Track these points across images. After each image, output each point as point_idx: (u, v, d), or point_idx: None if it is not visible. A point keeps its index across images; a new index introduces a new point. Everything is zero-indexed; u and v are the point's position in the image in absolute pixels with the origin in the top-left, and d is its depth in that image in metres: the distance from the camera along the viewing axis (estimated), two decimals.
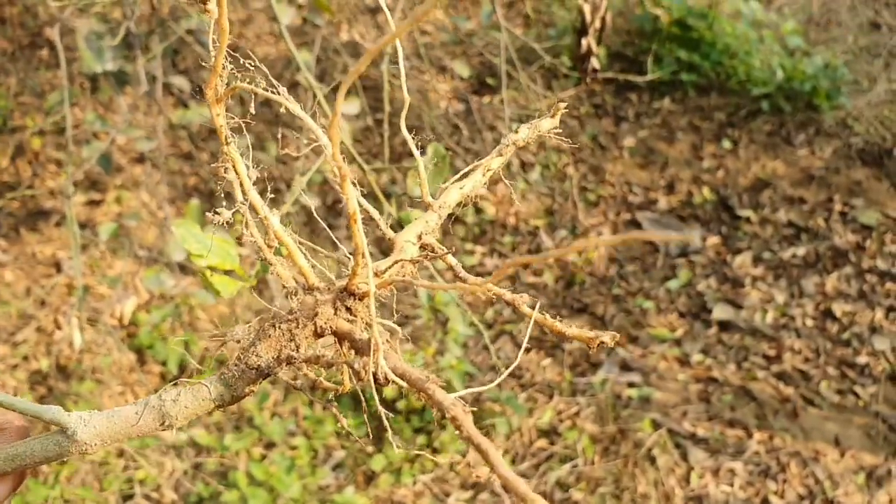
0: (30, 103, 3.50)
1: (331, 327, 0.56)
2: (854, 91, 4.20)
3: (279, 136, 3.17)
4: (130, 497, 2.38)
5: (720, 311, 3.13)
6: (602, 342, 0.57)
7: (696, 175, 3.77)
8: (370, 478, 2.41)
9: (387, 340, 0.56)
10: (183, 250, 1.80)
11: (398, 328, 0.58)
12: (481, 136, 3.84)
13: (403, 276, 0.61)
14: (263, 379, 0.58)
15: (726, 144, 3.91)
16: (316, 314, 0.56)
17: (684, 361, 2.91)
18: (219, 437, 2.48)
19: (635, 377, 2.80)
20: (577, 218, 3.59)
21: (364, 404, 0.58)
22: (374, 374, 0.50)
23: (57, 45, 1.45)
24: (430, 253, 0.65)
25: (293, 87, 3.31)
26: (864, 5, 5.01)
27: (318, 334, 0.58)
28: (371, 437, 2.50)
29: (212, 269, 0.74)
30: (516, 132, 0.76)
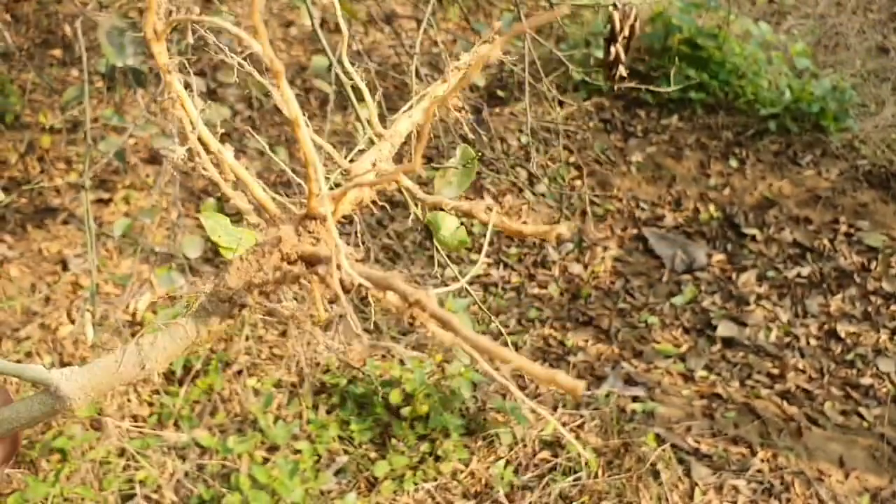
0: (41, 101, 3.51)
1: (296, 252, 0.57)
2: (861, 114, 4.21)
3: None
4: (130, 497, 2.37)
5: (724, 328, 3.13)
6: (559, 234, 0.58)
7: (702, 192, 3.78)
8: (372, 484, 2.40)
9: (349, 254, 0.56)
10: (199, 248, 1.80)
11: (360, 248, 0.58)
12: (490, 147, 3.85)
13: (361, 201, 0.62)
14: (238, 310, 0.59)
15: (733, 163, 3.92)
16: (280, 240, 0.57)
17: (688, 377, 2.91)
18: (221, 439, 2.47)
19: (639, 391, 2.80)
20: (584, 231, 3.59)
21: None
22: (340, 280, 0.51)
23: (79, 39, 1.46)
24: (384, 176, 0.66)
25: (308, 91, 3.32)
26: (873, 29, 5.04)
27: (285, 260, 0.58)
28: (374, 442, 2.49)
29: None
30: (458, 59, 0.78)
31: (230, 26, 0.53)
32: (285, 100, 0.49)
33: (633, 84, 1.56)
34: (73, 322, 2.54)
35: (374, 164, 0.65)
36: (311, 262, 0.57)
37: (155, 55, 0.57)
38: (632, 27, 1.21)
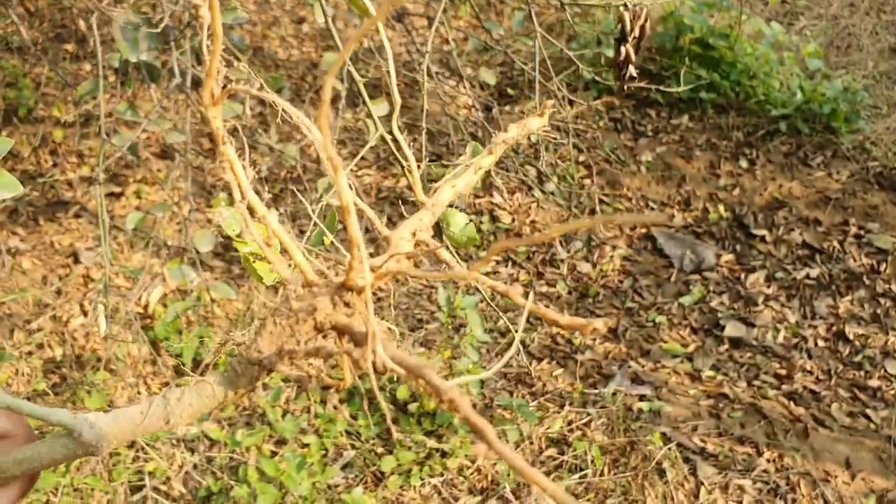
0: (55, 94, 3.53)
1: (330, 321, 0.57)
2: (873, 115, 4.20)
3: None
4: (139, 489, 2.39)
5: (732, 329, 3.13)
6: (595, 329, 0.58)
7: (712, 192, 3.78)
8: (379, 479, 2.42)
9: (385, 332, 0.57)
10: (210, 242, 1.81)
11: (395, 329, 0.59)
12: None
13: (398, 271, 0.62)
14: (266, 374, 0.59)
15: (743, 163, 3.91)
16: (315, 309, 0.57)
17: (695, 377, 2.91)
18: (230, 433, 2.49)
19: (646, 390, 2.81)
20: (592, 230, 3.60)
21: (361, 398, 0.58)
22: (373, 363, 0.51)
23: (94, 33, 1.47)
24: (424, 247, 0.67)
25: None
26: (886, 31, 5.02)
27: (318, 329, 0.58)
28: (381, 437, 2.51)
29: (255, 255, 0.75)
30: (506, 131, 0.78)
31: (292, 109, 0.54)
32: (341, 191, 0.50)
33: (643, 84, 1.56)
34: (85, 314, 2.56)
35: (413, 234, 0.65)
36: (343, 332, 0.57)
37: (210, 121, 0.58)
38: (642, 27, 1.21)
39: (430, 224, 0.67)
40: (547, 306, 2.80)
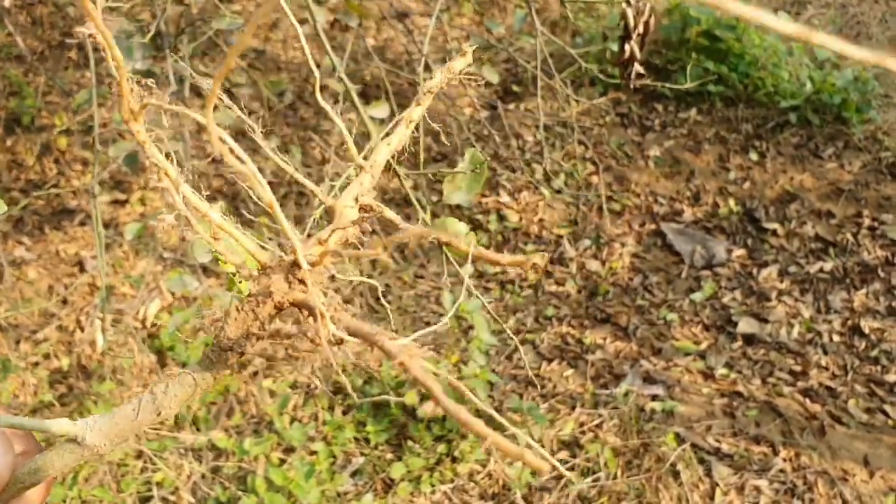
0: (57, 102, 3.52)
1: (288, 300, 0.59)
2: (885, 105, 4.14)
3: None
4: (148, 500, 2.37)
5: (745, 325, 3.08)
6: (534, 264, 0.58)
7: (722, 186, 3.73)
8: (389, 485, 2.39)
9: (339, 303, 0.58)
10: (208, 252, 1.79)
11: (381, 286, 0.57)
12: (508, 144, 3.82)
13: (347, 239, 0.64)
14: (238, 358, 0.62)
15: (753, 156, 3.86)
16: (271, 291, 0.58)
17: (708, 375, 2.87)
18: (238, 441, 2.47)
19: (659, 390, 2.76)
20: (601, 227, 3.56)
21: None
22: (329, 337, 0.53)
23: (86, 44, 1.45)
24: (368, 213, 0.68)
25: (323, 89, 3.29)
26: (895, 18, 4.95)
27: (279, 308, 0.60)
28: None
29: (239, 274, 0.74)
30: (431, 79, 0.77)
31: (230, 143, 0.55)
32: (230, 162, 0.51)
33: (649, 80, 1.53)
34: (82, 329, 2.54)
35: (356, 199, 0.66)
36: (302, 308, 0.59)
37: (133, 133, 0.59)
38: (646, 24, 1.18)
39: (370, 186, 0.69)
40: (556, 307, 2.76)
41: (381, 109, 1.86)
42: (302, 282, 0.58)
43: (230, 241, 0.65)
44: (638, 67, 0.99)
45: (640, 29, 1.16)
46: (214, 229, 0.61)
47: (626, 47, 1.21)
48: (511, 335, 1.04)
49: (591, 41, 4.18)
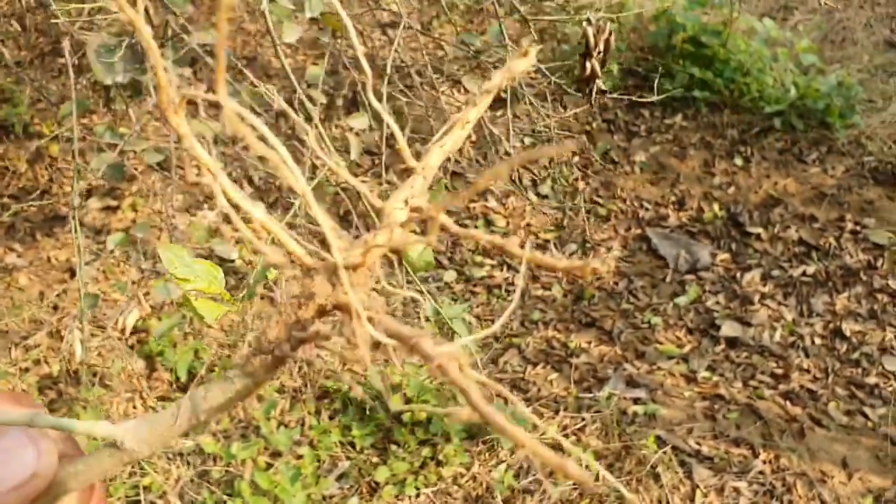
0: (48, 110, 3.55)
1: (331, 302, 0.59)
2: (868, 109, 4.18)
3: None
4: (136, 503, 2.40)
5: (728, 328, 3.12)
6: (595, 269, 0.58)
7: (706, 191, 3.77)
8: (374, 489, 2.42)
9: (380, 305, 0.58)
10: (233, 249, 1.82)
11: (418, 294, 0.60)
12: (494, 148, 3.85)
13: (389, 242, 0.64)
14: (281, 363, 0.61)
15: (738, 161, 3.90)
16: (314, 293, 0.59)
17: (691, 378, 2.91)
18: (226, 446, 2.50)
19: (641, 393, 2.80)
20: (587, 232, 3.60)
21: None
22: (366, 338, 0.53)
23: (66, 58, 1.48)
24: (419, 214, 0.68)
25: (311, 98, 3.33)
26: (881, 23, 5.00)
27: (322, 311, 0.60)
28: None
29: (197, 293, 0.76)
30: (489, 80, 0.78)
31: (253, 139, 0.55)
32: (291, 178, 0.51)
33: (616, 95, 1.56)
34: (62, 340, 2.57)
35: (406, 202, 0.65)
36: (347, 310, 0.59)
37: (174, 127, 0.59)
38: (607, 41, 1.21)
39: (423, 189, 0.68)
40: (542, 311, 2.79)
41: (360, 120, 1.90)
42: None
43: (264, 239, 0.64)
44: (599, 84, 1.02)
45: (601, 47, 1.19)
46: (257, 227, 0.61)
47: (588, 65, 1.24)
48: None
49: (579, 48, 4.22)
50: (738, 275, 3.38)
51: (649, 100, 2.07)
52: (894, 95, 4.24)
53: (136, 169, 3.43)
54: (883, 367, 2.94)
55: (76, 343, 2.07)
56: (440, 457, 2.47)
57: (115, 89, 1.79)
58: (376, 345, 0.54)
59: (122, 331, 2.47)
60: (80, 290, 1.62)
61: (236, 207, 0.62)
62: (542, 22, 3.57)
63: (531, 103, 3.24)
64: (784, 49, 4.29)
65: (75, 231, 1.59)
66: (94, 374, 2.69)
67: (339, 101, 3.71)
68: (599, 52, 1.05)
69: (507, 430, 0.44)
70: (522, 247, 0.61)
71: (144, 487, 2.39)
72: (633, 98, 1.91)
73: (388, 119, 0.71)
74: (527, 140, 3.97)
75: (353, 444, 2.53)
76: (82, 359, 2.14)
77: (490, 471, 2.47)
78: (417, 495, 2.39)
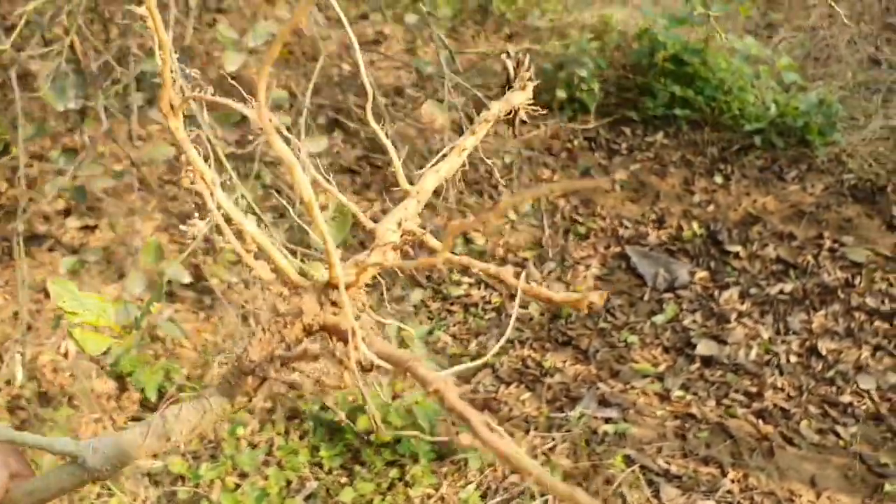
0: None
1: (318, 322, 0.57)
2: (850, 127, 4.19)
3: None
4: None
5: (704, 347, 3.11)
6: (591, 303, 0.57)
7: (686, 209, 3.78)
8: None
9: (371, 327, 0.56)
10: (141, 284, 1.83)
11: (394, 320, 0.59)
12: (473, 167, 3.87)
13: (384, 263, 0.62)
14: (260, 383, 0.59)
15: (718, 179, 3.91)
16: (302, 311, 0.57)
17: (664, 397, 2.90)
18: (194, 466, 2.50)
19: (613, 412, 2.80)
20: (566, 250, 3.60)
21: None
22: (358, 360, 0.52)
23: (13, 88, 1.50)
24: (410, 237, 0.66)
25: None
26: (865, 41, 5.02)
27: (307, 331, 0.58)
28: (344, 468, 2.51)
29: (82, 325, 0.76)
30: (489, 109, 0.76)
31: (247, 111, 0.55)
32: (300, 185, 0.50)
33: (554, 122, 1.55)
34: (1, 361, 2.57)
35: (399, 225, 0.65)
36: (332, 332, 0.57)
37: (171, 130, 0.59)
38: (528, 74, 1.20)
39: (415, 212, 0.67)
40: (519, 329, 2.78)
41: (317, 143, 1.91)
42: (334, 303, 0.57)
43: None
44: (522, 115, 1.02)
45: (524, 77, 1.19)
46: (248, 240, 0.59)
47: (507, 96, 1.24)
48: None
49: (562, 66, 4.23)
50: (716, 293, 3.38)
51: (589, 126, 2.06)
52: (875, 113, 4.24)
53: (117, 188, 3.45)
54: (857, 386, 2.93)
55: (17, 367, 2.07)
56: (408, 478, 2.47)
57: (74, 114, 1.80)
58: (368, 367, 0.53)
59: (65, 355, 2.46)
60: (22, 313, 1.63)
61: (228, 219, 0.60)
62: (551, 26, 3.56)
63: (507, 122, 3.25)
64: (766, 67, 4.31)
65: (19, 255, 1.60)
66: (65, 395, 2.69)
67: (322, 121, 3.74)
68: (523, 84, 1.05)
69: (511, 457, 0.43)
70: (517, 277, 0.60)
71: None
72: (573, 125, 1.92)
73: (386, 141, 0.70)
74: (507, 158, 3.98)
75: (320, 465, 2.52)
76: (22, 383, 2.14)
77: (457, 492, 2.46)
78: None
